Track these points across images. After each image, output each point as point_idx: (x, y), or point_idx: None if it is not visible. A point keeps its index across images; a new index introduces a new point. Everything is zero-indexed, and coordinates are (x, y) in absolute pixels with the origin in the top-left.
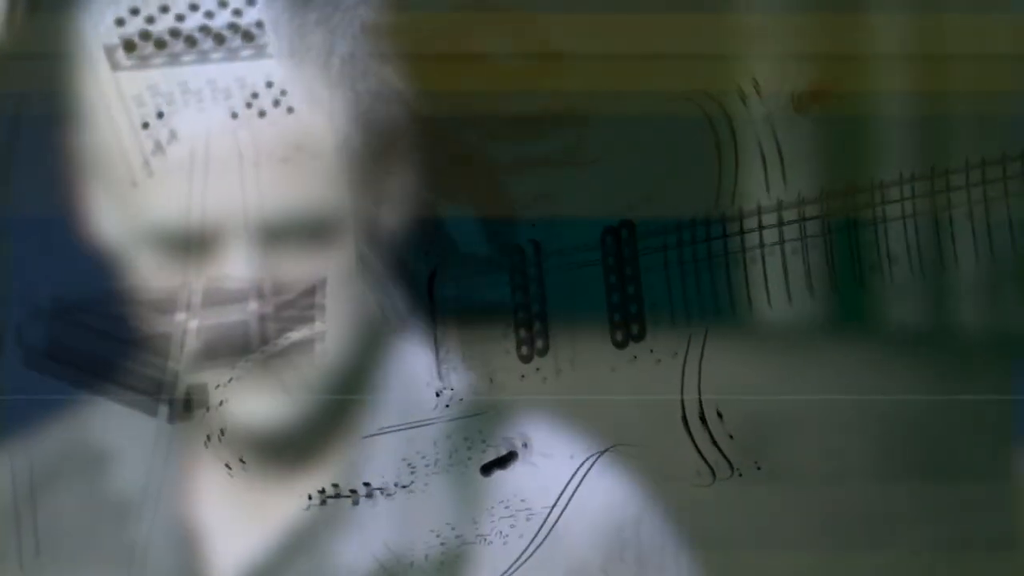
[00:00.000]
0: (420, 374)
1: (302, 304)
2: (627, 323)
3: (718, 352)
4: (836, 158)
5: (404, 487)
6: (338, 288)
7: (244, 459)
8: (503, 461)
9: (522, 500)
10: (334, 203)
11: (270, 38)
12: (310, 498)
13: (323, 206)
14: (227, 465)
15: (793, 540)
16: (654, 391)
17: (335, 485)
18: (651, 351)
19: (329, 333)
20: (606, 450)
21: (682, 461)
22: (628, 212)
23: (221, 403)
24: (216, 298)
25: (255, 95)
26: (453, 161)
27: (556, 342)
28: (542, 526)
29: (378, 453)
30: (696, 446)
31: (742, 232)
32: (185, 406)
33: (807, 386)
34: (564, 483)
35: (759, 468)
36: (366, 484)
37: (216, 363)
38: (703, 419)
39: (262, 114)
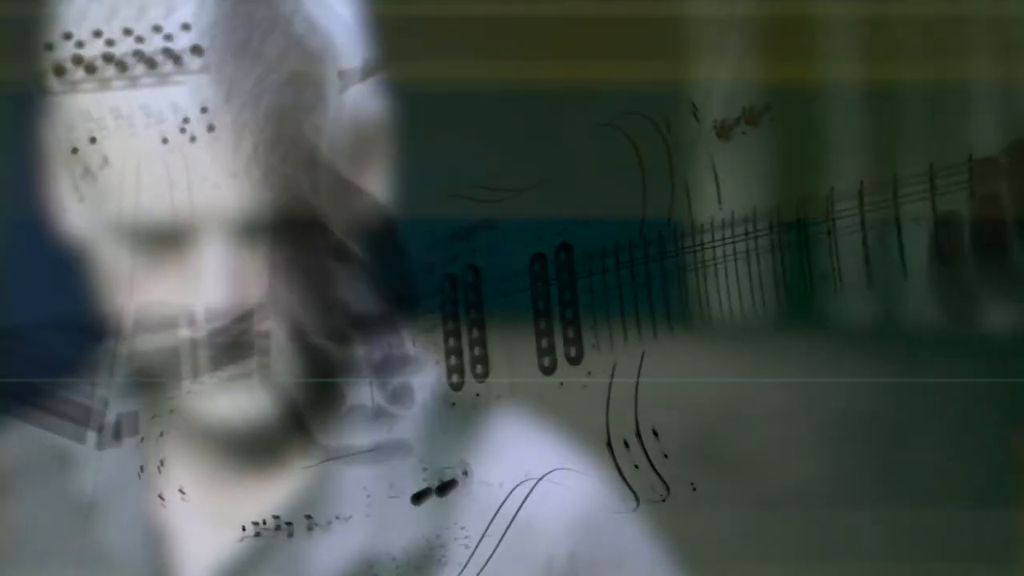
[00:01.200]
0: (361, 402)
1: (239, 331)
2: (565, 346)
3: (654, 373)
4: (770, 177)
5: (344, 519)
6: (275, 313)
7: (184, 490)
8: (442, 489)
9: (462, 528)
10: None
11: (204, 63)
12: (244, 530)
13: (256, 234)
14: (160, 496)
15: (738, 558)
16: (591, 415)
17: (276, 516)
18: (588, 373)
19: (269, 360)
20: (543, 476)
21: (619, 485)
22: (564, 236)
23: (161, 434)
24: (148, 323)
25: (187, 120)
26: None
27: (495, 368)
28: (478, 553)
29: (318, 484)
30: (622, 470)
31: (677, 252)
32: (115, 434)
33: (749, 404)
34: (503, 510)
35: (694, 489)
36: (307, 516)
37: (149, 390)
38: (640, 440)
39: (193, 139)
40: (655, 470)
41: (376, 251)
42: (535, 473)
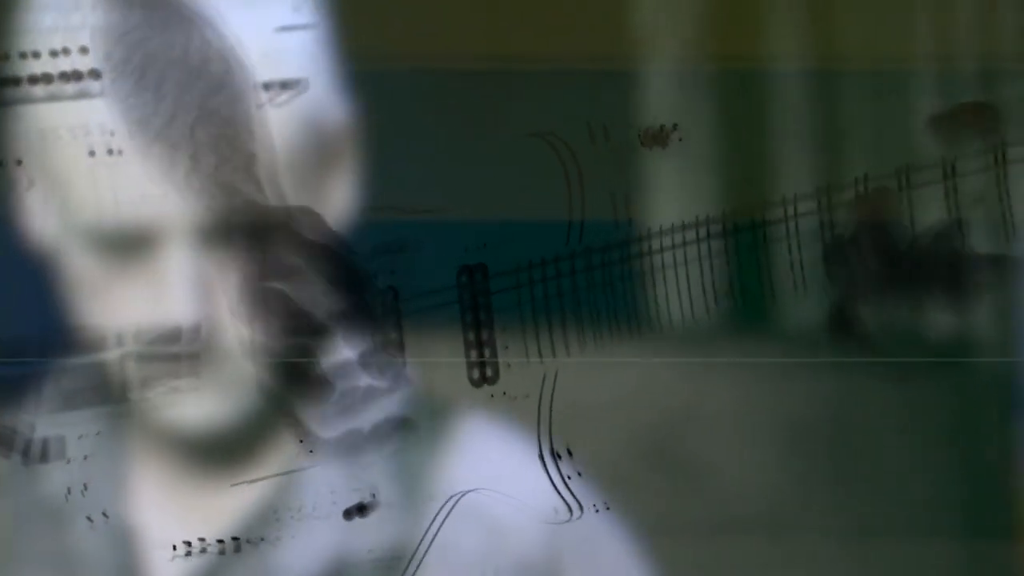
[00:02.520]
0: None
1: (167, 352)
2: (483, 364)
3: (569, 389)
4: (681, 192)
5: (269, 539)
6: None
7: (107, 513)
8: (364, 509)
9: (387, 547)
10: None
11: (107, 83)
12: (174, 548)
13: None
14: (89, 518)
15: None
16: (512, 431)
17: (201, 539)
18: (504, 393)
19: (198, 379)
20: (466, 493)
21: (540, 500)
22: (481, 255)
23: (85, 457)
24: (77, 344)
25: (112, 133)
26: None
27: (416, 387)
28: (406, 572)
29: (245, 503)
30: (552, 484)
31: (591, 268)
32: (41, 456)
33: (665, 421)
34: (426, 527)
35: (608, 508)
36: (234, 538)
37: (75, 412)
38: (555, 457)
39: (117, 153)
40: (568, 488)
41: (321, 260)
42: (461, 489)
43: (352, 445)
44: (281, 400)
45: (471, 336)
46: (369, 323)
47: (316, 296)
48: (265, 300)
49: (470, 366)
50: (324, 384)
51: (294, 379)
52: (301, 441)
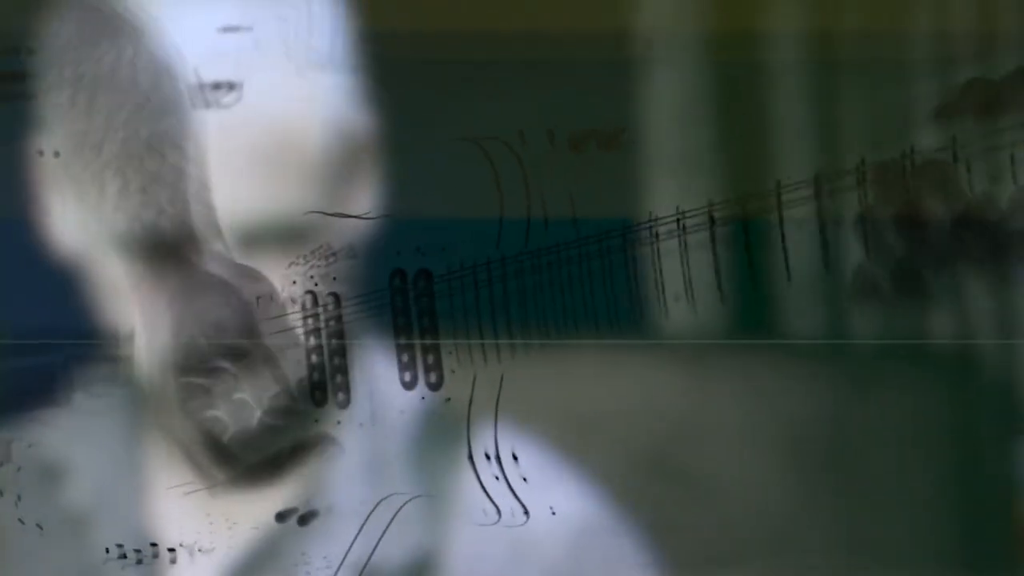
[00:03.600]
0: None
1: (104, 354)
2: (425, 369)
3: (515, 394)
4: (617, 193)
5: (203, 547)
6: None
7: (41, 525)
8: (296, 515)
9: (324, 557)
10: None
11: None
12: (107, 552)
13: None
14: (38, 525)
15: None
16: (452, 435)
17: (137, 551)
18: (448, 400)
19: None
20: (408, 499)
21: (477, 504)
22: (422, 261)
23: (19, 469)
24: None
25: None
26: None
27: (355, 394)
28: None
29: (181, 509)
30: (484, 488)
31: (533, 270)
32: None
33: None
34: (357, 533)
35: (553, 513)
36: (170, 550)
37: (16, 415)
38: (498, 460)
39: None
40: (513, 492)
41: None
42: (392, 494)
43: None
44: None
45: (404, 341)
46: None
47: (231, 319)
48: (184, 318)
49: (402, 370)
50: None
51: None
52: (251, 443)
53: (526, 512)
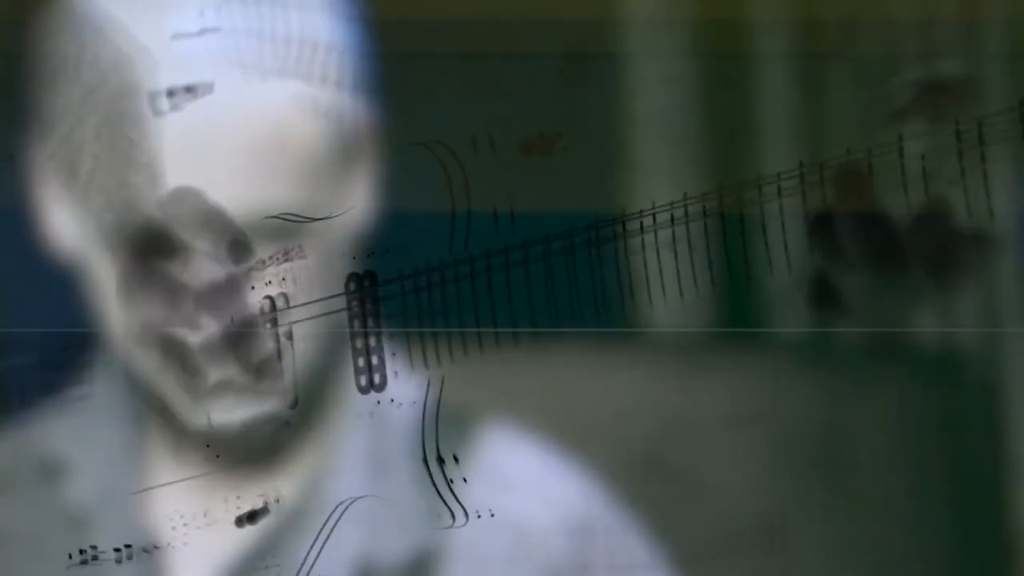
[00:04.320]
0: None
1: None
2: (370, 371)
3: (457, 397)
4: (565, 198)
5: (160, 547)
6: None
7: None
8: (253, 516)
9: (273, 557)
10: None
11: None
12: (70, 557)
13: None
14: None
15: None
16: (399, 437)
17: (93, 546)
18: (391, 400)
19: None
20: (354, 500)
21: (427, 506)
22: (369, 263)
23: None
24: None
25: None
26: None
27: (305, 395)
28: None
29: (142, 511)
30: (437, 490)
31: (475, 274)
32: None
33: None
34: (315, 535)
35: (492, 515)
36: (127, 546)
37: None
38: (439, 463)
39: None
40: (453, 494)
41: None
42: (348, 497)
43: (226, 439)
44: (154, 387)
45: (359, 343)
46: (251, 328)
47: (196, 305)
48: (148, 300)
49: (358, 372)
50: (197, 370)
51: (168, 365)
52: (208, 446)
53: (466, 514)
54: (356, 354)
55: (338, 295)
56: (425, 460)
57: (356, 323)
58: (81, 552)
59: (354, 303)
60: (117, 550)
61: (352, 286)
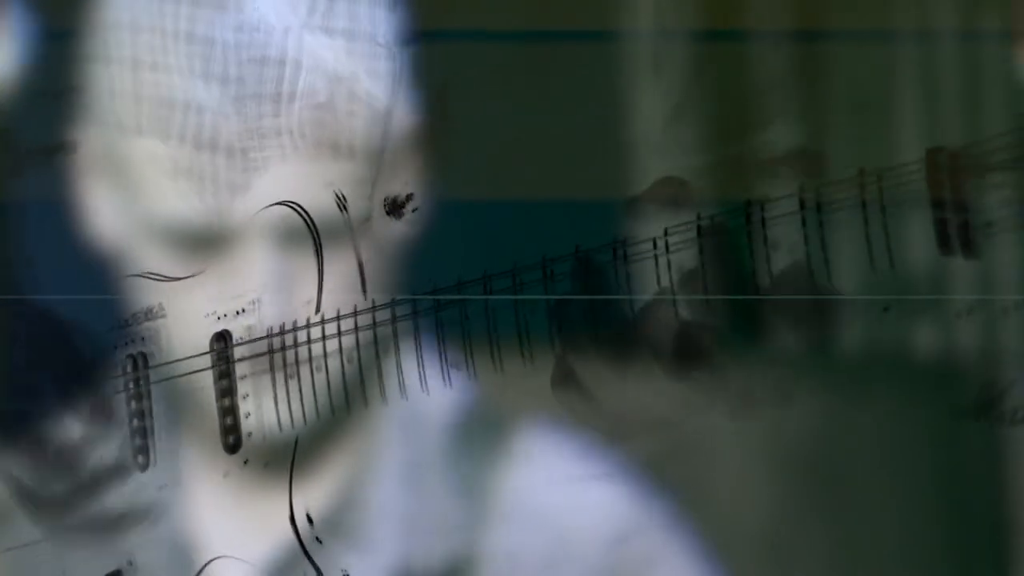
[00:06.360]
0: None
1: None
2: (235, 430)
3: (315, 457)
4: (427, 257)
5: None
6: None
7: None
8: None
9: None
10: None
11: None
12: None
13: None
14: None
15: None
16: (259, 498)
17: None
18: (245, 461)
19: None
20: (211, 560)
21: (290, 567)
22: (227, 323)
23: None
24: None
25: None
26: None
27: (162, 455)
28: None
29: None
30: (304, 548)
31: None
32: None
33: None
34: None
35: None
36: None
37: None
38: (292, 524)
39: None
40: (308, 555)
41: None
42: (204, 558)
43: (75, 503)
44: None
45: (225, 402)
46: (88, 385)
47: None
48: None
49: (224, 432)
50: (40, 441)
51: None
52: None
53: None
54: (224, 413)
55: (203, 354)
56: (292, 520)
57: (224, 382)
58: None
59: (222, 363)
60: None
61: (220, 344)
